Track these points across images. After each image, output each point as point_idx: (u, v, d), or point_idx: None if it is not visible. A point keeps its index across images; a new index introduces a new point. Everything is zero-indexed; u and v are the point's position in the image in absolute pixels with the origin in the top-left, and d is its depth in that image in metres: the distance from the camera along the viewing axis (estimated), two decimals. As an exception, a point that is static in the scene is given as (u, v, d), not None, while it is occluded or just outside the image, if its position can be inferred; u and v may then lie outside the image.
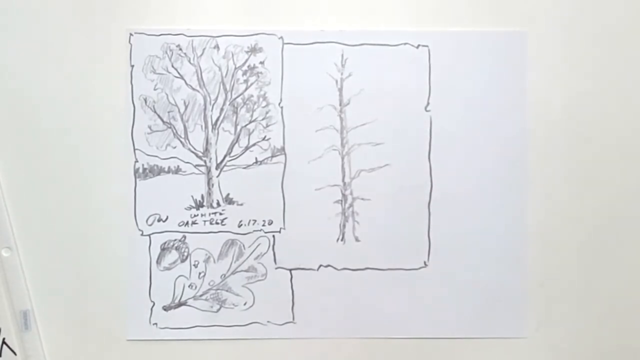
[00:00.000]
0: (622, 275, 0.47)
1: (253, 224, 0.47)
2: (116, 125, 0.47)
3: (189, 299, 0.47)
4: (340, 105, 0.47)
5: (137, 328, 0.47)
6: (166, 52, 0.47)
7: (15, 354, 0.46)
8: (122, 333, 0.47)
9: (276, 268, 0.47)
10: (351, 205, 0.47)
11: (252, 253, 0.47)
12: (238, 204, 0.47)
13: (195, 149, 0.47)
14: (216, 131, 0.47)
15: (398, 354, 0.47)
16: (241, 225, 0.47)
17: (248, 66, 0.47)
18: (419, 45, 0.47)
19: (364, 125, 0.47)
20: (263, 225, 0.47)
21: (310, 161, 0.47)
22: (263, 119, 0.47)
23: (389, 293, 0.47)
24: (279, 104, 0.47)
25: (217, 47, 0.47)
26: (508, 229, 0.45)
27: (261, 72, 0.47)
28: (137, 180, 0.47)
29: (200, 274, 0.47)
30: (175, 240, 0.47)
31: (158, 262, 0.47)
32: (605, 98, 0.47)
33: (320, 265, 0.47)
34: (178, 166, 0.47)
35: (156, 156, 0.47)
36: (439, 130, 0.46)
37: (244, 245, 0.47)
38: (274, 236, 0.47)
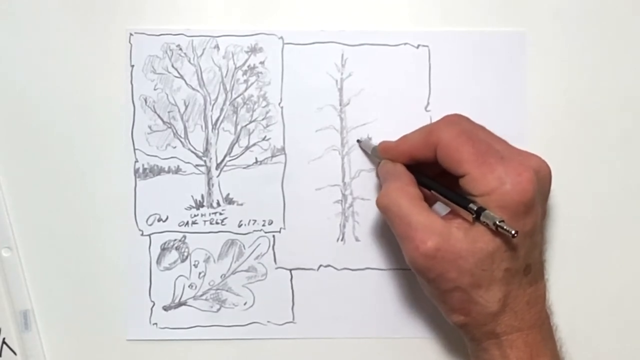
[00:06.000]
0: (623, 276, 0.47)
1: (253, 224, 0.47)
2: (116, 125, 0.47)
3: (189, 299, 0.47)
4: (340, 105, 0.47)
5: (137, 328, 0.47)
6: (166, 52, 0.47)
7: (15, 354, 0.46)
8: (122, 333, 0.47)
9: (276, 268, 0.47)
10: (351, 205, 0.47)
11: (252, 253, 0.47)
12: (238, 204, 0.47)
13: (195, 149, 0.47)
14: (216, 131, 0.47)
15: (398, 354, 0.47)
16: (241, 225, 0.47)
17: (248, 66, 0.47)
18: (419, 45, 0.47)
19: (364, 125, 0.47)
20: (263, 225, 0.47)
21: (310, 161, 0.47)
22: (263, 119, 0.47)
23: (389, 293, 0.47)
24: (279, 104, 0.47)
25: (217, 47, 0.47)
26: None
27: (261, 72, 0.47)
28: (137, 180, 0.47)
29: (200, 274, 0.47)
30: (175, 240, 0.47)
31: (158, 262, 0.47)
32: (606, 98, 0.47)
33: (320, 265, 0.47)
34: (178, 166, 0.47)
35: (156, 156, 0.47)
36: (439, 130, 0.46)
37: (244, 245, 0.47)
38: (274, 236, 0.47)
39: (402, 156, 0.42)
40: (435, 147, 0.40)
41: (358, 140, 0.47)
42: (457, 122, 0.40)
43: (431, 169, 0.42)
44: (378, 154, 0.44)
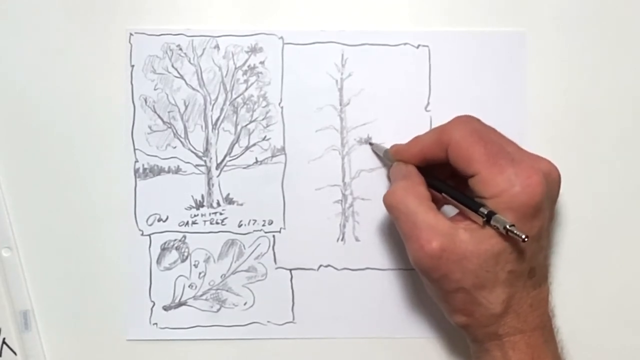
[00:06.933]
0: (623, 276, 0.47)
1: (253, 224, 0.47)
2: (116, 125, 0.47)
3: (189, 299, 0.47)
4: (340, 105, 0.47)
5: (137, 328, 0.47)
6: (166, 52, 0.47)
7: (15, 354, 0.46)
8: (122, 333, 0.47)
9: (276, 268, 0.47)
10: (351, 205, 0.47)
11: (252, 253, 0.47)
12: (238, 204, 0.47)
13: (195, 149, 0.47)
14: (216, 131, 0.47)
15: (398, 354, 0.47)
16: (241, 225, 0.47)
17: (248, 66, 0.47)
18: (419, 45, 0.47)
19: (364, 125, 0.47)
20: (263, 225, 0.47)
21: (310, 161, 0.47)
22: (263, 119, 0.47)
23: (389, 293, 0.47)
24: (279, 104, 0.47)
25: (217, 47, 0.47)
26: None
27: (261, 72, 0.47)
28: (137, 180, 0.47)
29: (200, 274, 0.47)
30: (175, 240, 0.47)
31: (158, 262, 0.47)
32: (606, 98, 0.47)
33: (320, 265, 0.47)
34: (178, 166, 0.47)
35: (156, 156, 0.47)
36: (439, 130, 0.46)
37: (244, 245, 0.47)
38: (274, 236, 0.47)
39: (414, 157, 0.42)
40: (447, 147, 0.40)
41: (370, 143, 0.47)
42: (469, 122, 0.40)
43: (441, 173, 0.42)
44: (390, 157, 0.44)
